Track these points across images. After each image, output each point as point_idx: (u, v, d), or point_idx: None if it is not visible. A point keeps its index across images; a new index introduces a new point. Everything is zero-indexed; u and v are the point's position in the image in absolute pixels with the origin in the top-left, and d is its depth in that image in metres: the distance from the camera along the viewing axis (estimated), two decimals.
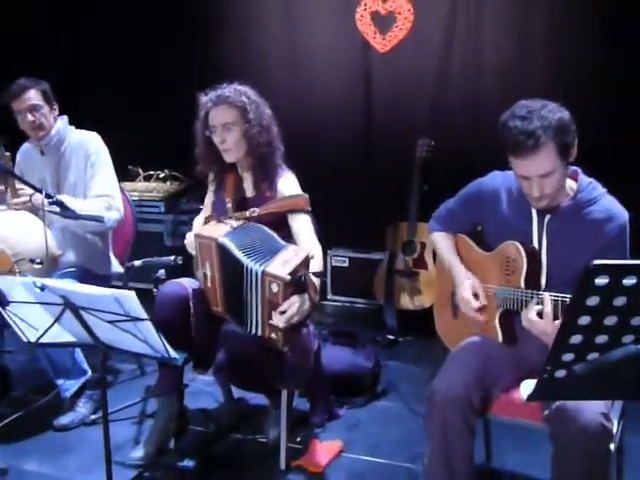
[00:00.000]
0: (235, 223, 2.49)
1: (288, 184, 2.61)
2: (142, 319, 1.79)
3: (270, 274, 2.24)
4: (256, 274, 2.27)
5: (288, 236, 2.55)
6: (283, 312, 2.23)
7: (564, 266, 2.04)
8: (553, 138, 1.92)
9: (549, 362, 1.30)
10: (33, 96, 3.01)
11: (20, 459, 2.71)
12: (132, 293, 1.76)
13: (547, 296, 1.93)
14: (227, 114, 2.52)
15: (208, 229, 2.49)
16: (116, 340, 1.95)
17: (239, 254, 2.32)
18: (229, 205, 2.61)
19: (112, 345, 1.99)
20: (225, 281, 2.41)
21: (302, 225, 2.56)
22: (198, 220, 2.79)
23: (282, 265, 2.24)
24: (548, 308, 1.91)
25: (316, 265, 2.44)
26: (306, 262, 2.33)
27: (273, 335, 2.30)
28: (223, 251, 2.36)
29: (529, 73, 4.09)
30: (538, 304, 1.96)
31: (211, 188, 2.78)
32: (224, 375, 2.85)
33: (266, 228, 2.48)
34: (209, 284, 2.44)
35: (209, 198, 2.81)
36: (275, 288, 2.23)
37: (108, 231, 3.18)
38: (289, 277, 2.20)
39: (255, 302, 2.32)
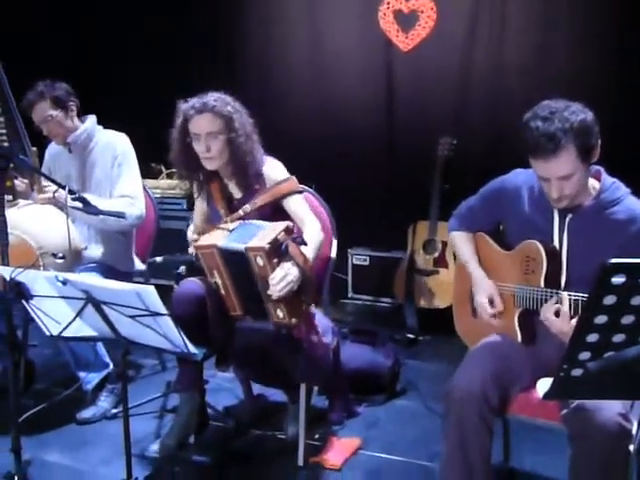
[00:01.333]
0: (231, 226, 2.53)
1: (274, 169, 2.65)
2: (162, 314, 1.82)
3: (251, 248, 2.31)
4: (242, 254, 2.33)
5: (288, 220, 2.56)
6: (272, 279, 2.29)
7: (584, 266, 2.02)
8: (574, 141, 1.90)
9: (565, 360, 1.30)
10: (42, 108, 3.01)
11: (42, 450, 2.75)
12: (152, 288, 1.78)
13: (565, 295, 1.93)
14: (212, 123, 2.52)
15: (207, 238, 2.52)
16: (137, 335, 1.98)
17: (234, 246, 2.37)
18: (222, 211, 2.65)
19: (133, 340, 2.02)
20: (235, 283, 2.44)
21: (296, 205, 2.61)
22: (190, 233, 2.81)
23: (260, 238, 2.34)
24: (565, 307, 1.91)
25: (314, 238, 2.49)
26: (287, 232, 2.39)
27: (279, 312, 2.35)
28: (225, 254, 2.39)
29: (551, 72, 4.07)
30: (557, 303, 1.96)
31: (198, 198, 2.80)
32: (242, 370, 2.87)
33: (259, 221, 2.52)
34: (223, 292, 2.48)
35: (198, 208, 2.83)
36: (260, 261, 2.31)
37: (130, 230, 3.21)
38: (268, 245, 2.28)
39: (258, 287, 2.36)
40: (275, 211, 2.59)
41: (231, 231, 2.49)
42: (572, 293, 1.93)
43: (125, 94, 4.95)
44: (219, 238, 2.44)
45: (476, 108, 4.35)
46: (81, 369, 3.02)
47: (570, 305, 1.93)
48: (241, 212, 2.59)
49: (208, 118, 2.52)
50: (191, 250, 2.63)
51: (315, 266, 2.51)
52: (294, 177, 2.65)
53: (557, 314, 1.94)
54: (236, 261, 2.37)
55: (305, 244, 2.41)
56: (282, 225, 2.41)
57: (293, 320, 2.37)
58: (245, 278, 2.38)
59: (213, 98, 2.55)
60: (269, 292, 2.30)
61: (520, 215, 2.19)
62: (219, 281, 2.46)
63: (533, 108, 1.98)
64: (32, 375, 3.37)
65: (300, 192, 2.64)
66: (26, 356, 3.34)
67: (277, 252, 2.31)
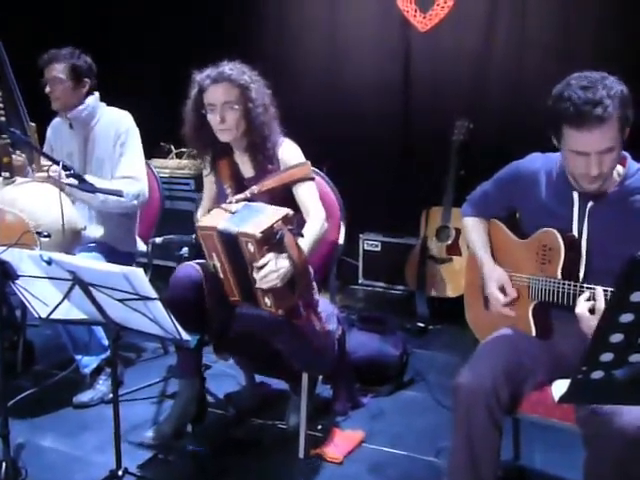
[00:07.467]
0: (234, 207, 2.40)
1: (289, 152, 2.52)
2: (151, 298, 1.71)
3: (242, 233, 2.21)
4: (235, 238, 2.23)
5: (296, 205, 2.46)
6: (260, 269, 2.20)
7: (606, 257, 1.90)
8: (618, 110, 1.77)
9: (585, 361, 1.18)
10: (58, 69, 2.97)
11: (36, 435, 2.68)
12: (140, 270, 1.68)
13: (600, 290, 1.76)
14: (229, 92, 2.41)
15: (208, 219, 2.41)
16: (127, 319, 1.88)
17: (229, 230, 2.26)
18: (228, 191, 2.54)
19: (123, 324, 1.92)
20: (233, 267, 2.33)
21: (306, 193, 2.48)
22: (199, 215, 2.69)
23: (255, 225, 2.22)
24: (601, 304, 1.74)
25: (314, 230, 2.37)
26: (286, 220, 2.27)
27: (266, 299, 2.26)
28: (224, 237, 2.29)
29: (574, 54, 3.91)
30: (589, 299, 1.79)
31: (208, 177, 2.68)
32: (241, 359, 2.77)
33: (262, 204, 2.39)
34: (221, 275, 2.38)
35: (208, 188, 2.71)
36: (251, 248, 2.21)
37: (131, 211, 3.10)
38: (260, 234, 2.18)
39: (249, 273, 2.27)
40: (288, 196, 2.46)
41: (234, 213, 2.37)
42: (608, 288, 1.75)
43: (136, 73, 4.84)
44: (220, 220, 2.32)
45: (495, 91, 4.21)
46: (79, 352, 2.93)
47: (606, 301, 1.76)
48: (247, 193, 2.46)
49: (224, 87, 2.41)
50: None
51: (317, 255, 2.40)
52: (309, 162, 2.52)
53: (592, 311, 1.77)
54: (232, 245, 2.27)
55: (302, 236, 2.30)
56: (282, 212, 2.28)
57: (280, 311, 2.27)
58: (240, 263, 2.28)
59: (229, 67, 2.44)
60: (256, 279, 2.21)
61: (537, 201, 2.06)
62: (218, 264, 2.35)
63: (563, 81, 1.85)
64: (31, 356, 3.31)
65: (312, 179, 2.51)
66: (25, 337, 3.27)
67: (270, 241, 2.20)
